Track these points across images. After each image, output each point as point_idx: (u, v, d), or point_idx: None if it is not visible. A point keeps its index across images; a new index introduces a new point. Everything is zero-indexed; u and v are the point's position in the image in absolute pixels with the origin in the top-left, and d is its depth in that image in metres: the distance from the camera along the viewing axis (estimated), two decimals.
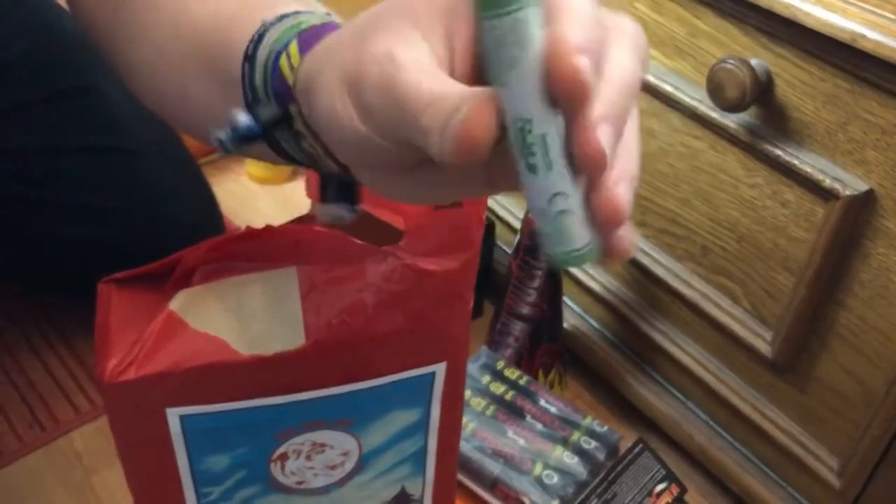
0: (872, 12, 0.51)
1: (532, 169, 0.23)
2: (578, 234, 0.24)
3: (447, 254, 0.46)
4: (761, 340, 0.67)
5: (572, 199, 0.24)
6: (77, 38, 0.81)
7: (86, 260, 0.81)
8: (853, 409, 0.63)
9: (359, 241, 0.45)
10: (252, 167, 1.08)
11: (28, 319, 0.87)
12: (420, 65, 0.25)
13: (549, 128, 0.23)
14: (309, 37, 0.32)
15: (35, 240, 0.82)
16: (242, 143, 0.34)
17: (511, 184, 0.27)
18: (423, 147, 0.24)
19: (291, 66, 0.32)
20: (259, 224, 0.47)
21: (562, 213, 0.24)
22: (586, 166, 0.23)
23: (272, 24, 0.35)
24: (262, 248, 0.46)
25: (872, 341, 0.60)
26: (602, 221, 0.24)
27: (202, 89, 0.42)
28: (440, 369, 0.50)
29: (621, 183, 0.24)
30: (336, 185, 0.37)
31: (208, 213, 0.87)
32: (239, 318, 0.46)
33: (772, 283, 0.65)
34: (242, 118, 0.34)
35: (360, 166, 0.30)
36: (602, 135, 0.23)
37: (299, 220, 0.48)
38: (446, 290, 0.47)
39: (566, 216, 0.24)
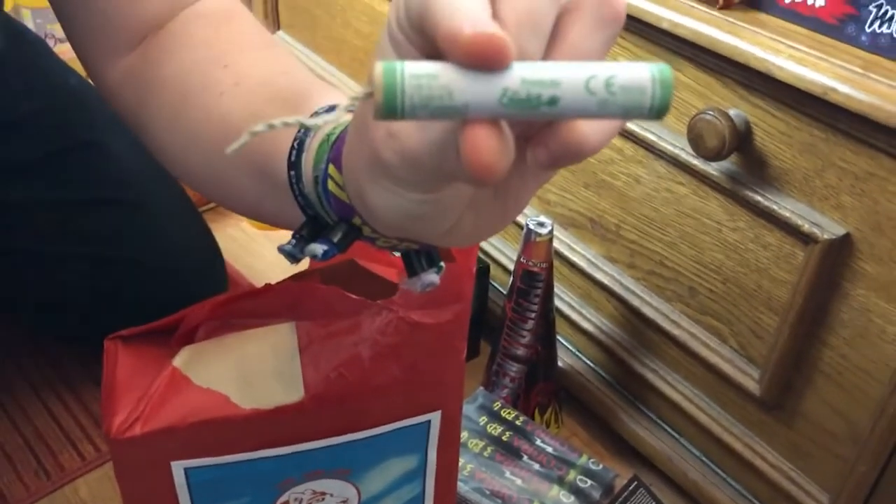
0: (842, 67, 0.53)
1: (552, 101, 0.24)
2: None
3: (440, 306, 0.48)
4: (749, 378, 0.69)
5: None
6: (83, 96, 0.84)
7: (92, 309, 0.83)
8: (841, 446, 0.64)
9: (354, 297, 0.47)
10: None
11: (34, 368, 0.88)
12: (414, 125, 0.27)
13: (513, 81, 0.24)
14: (338, 150, 0.35)
15: (42, 290, 0.84)
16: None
17: (521, 204, 0.30)
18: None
19: (340, 186, 0.34)
20: (260, 268, 0.49)
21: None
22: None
23: (306, 134, 0.38)
24: (263, 306, 0.48)
25: (855, 379, 0.61)
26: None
27: (243, 181, 0.44)
28: (435, 417, 0.51)
29: None
30: (421, 256, 0.39)
31: (211, 261, 0.90)
32: (240, 373, 0.48)
33: (757, 323, 0.67)
34: (320, 249, 0.36)
35: (404, 228, 0.32)
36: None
37: (298, 277, 0.50)
38: (439, 340, 0.49)
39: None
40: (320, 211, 0.38)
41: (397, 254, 0.40)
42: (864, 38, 0.53)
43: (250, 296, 0.48)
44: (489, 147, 0.24)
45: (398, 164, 0.27)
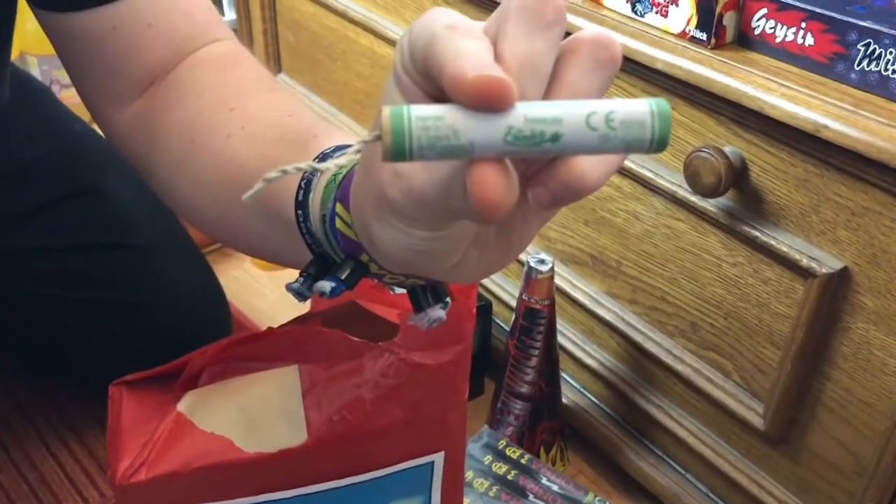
0: (833, 104, 0.54)
1: (554, 137, 0.25)
2: None
3: (441, 347, 0.49)
4: (753, 413, 0.69)
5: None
6: (86, 141, 0.85)
7: (97, 352, 0.83)
8: (847, 480, 0.64)
9: (356, 339, 0.48)
10: None
11: (39, 413, 0.88)
12: (420, 164, 0.28)
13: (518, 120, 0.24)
14: (345, 188, 0.35)
15: (47, 334, 0.85)
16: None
17: (524, 241, 0.31)
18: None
19: (348, 224, 0.35)
20: (263, 308, 0.50)
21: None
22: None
23: (313, 174, 0.38)
24: (265, 349, 0.49)
25: (859, 412, 0.61)
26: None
27: (250, 222, 0.44)
28: (438, 458, 0.51)
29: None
30: (427, 292, 0.39)
31: (214, 302, 0.90)
32: (244, 417, 0.48)
33: (760, 358, 0.67)
34: (328, 286, 0.37)
35: (411, 264, 0.32)
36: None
37: (300, 320, 0.51)
38: (441, 382, 0.49)
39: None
40: (328, 249, 0.38)
41: (402, 290, 0.40)
42: (853, 75, 0.54)
43: (253, 339, 0.49)
44: (495, 185, 0.24)
45: (405, 203, 0.28)
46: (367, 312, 0.52)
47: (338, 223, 0.36)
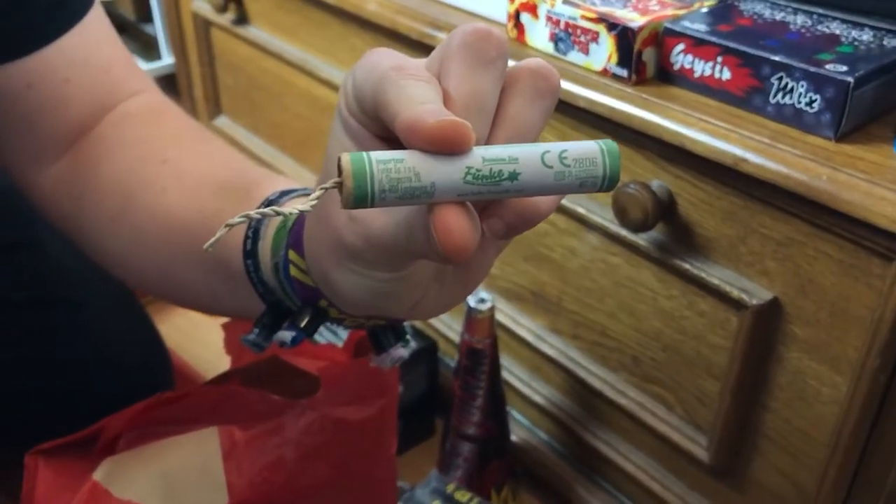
0: (751, 138, 0.55)
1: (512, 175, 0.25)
2: None
3: (365, 401, 0.48)
4: (697, 446, 0.68)
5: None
6: (15, 194, 0.83)
7: (31, 411, 0.80)
8: None
9: (276, 397, 0.47)
10: None
11: None
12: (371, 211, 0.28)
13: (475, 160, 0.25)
14: (297, 235, 0.35)
15: None
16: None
17: (482, 273, 0.31)
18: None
19: (304, 271, 0.34)
20: (208, 357, 0.49)
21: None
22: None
23: (261, 221, 0.37)
24: (184, 411, 0.47)
25: (798, 442, 0.61)
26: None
27: (195, 276, 0.43)
28: None
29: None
30: (388, 332, 0.39)
31: (154, 353, 0.88)
32: (163, 483, 0.46)
33: (701, 390, 0.67)
34: (288, 335, 0.36)
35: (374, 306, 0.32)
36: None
37: (218, 380, 0.49)
38: (366, 437, 0.48)
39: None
40: (282, 297, 0.37)
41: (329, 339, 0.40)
42: (769, 108, 0.55)
43: (171, 402, 0.47)
44: (460, 228, 0.25)
45: (364, 248, 0.28)
46: (288, 367, 0.51)
47: (293, 271, 0.35)
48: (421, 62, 0.28)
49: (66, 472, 0.47)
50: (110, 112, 0.51)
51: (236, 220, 0.26)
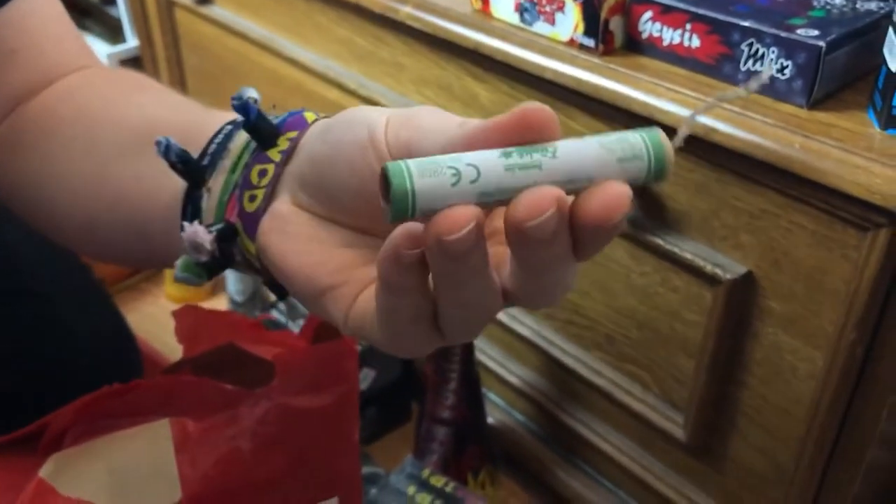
0: (722, 107, 0.53)
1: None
2: None
3: (322, 389, 0.46)
4: (674, 425, 0.67)
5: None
6: None
7: None
8: (769, 487, 0.62)
9: (229, 387, 0.44)
10: (170, 287, 1.07)
11: None
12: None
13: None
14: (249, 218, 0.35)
15: None
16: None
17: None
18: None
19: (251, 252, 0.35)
20: (178, 345, 0.47)
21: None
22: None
23: (200, 197, 0.37)
24: (134, 403, 0.45)
25: (774, 418, 0.60)
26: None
27: (118, 235, 0.43)
28: None
29: None
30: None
31: (122, 345, 0.86)
32: (112, 479, 0.44)
33: (676, 368, 0.65)
34: (205, 236, 0.35)
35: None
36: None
37: (171, 369, 0.47)
38: (326, 425, 0.46)
39: None
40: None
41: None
42: (739, 76, 0.53)
43: (119, 394, 0.45)
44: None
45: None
46: (243, 354, 0.49)
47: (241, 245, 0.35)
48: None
49: (11, 469, 0.45)
50: (56, 82, 0.50)
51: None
